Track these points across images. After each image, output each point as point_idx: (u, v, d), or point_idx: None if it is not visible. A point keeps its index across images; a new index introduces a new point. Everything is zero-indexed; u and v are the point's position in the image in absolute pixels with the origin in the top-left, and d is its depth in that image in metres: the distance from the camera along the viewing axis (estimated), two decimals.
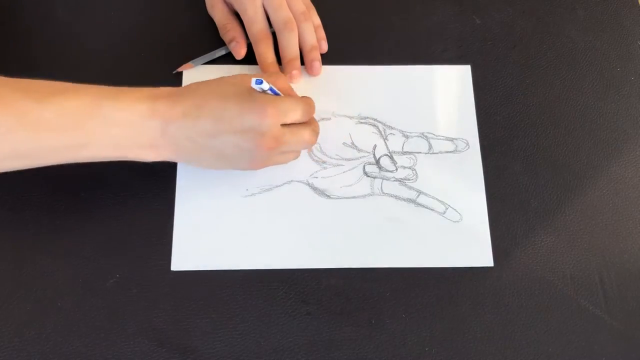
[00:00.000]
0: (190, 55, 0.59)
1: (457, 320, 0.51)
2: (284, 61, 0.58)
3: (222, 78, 0.50)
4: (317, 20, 0.61)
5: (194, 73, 0.59)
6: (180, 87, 0.50)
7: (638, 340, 0.51)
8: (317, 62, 0.59)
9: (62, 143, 0.45)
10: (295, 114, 0.50)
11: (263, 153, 0.49)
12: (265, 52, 0.58)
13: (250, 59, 0.59)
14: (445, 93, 0.60)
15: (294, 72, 0.58)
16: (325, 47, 0.60)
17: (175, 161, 0.51)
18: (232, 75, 0.51)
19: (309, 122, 0.53)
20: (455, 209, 0.55)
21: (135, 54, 0.60)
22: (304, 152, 0.56)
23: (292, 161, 0.54)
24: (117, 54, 0.60)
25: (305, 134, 0.52)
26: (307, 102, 0.52)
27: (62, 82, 0.47)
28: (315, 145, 0.56)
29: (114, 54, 0.60)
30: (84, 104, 0.46)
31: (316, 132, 0.53)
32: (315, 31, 0.60)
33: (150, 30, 0.61)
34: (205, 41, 0.60)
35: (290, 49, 0.58)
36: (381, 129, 0.58)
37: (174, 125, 0.47)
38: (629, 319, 0.51)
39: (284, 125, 0.49)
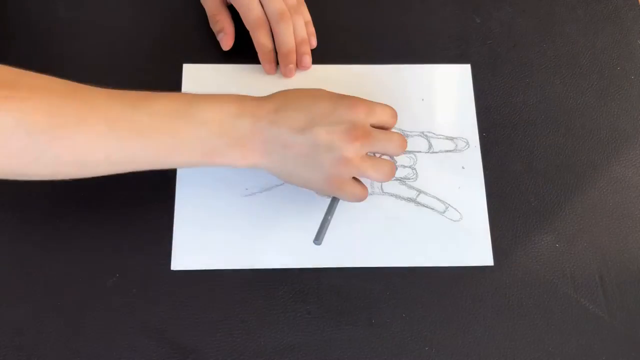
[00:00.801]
0: (190, 55, 0.59)
1: (457, 319, 0.51)
2: (280, 54, 0.58)
3: (312, 88, 0.51)
4: (307, 16, 0.61)
5: (194, 72, 0.59)
6: (267, 95, 0.49)
7: (638, 339, 0.51)
8: (307, 56, 0.59)
9: (153, 147, 0.45)
10: (384, 115, 0.50)
11: (355, 146, 0.47)
12: (263, 39, 0.58)
13: (249, 57, 0.59)
14: (445, 92, 0.60)
15: (291, 66, 0.58)
16: (314, 43, 0.60)
17: (263, 167, 0.48)
18: (317, 89, 0.51)
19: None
20: (455, 208, 0.55)
21: (135, 54, 0.60)
22: None
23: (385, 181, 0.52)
24: (117, 54, 0.59)
25: (395, 136, 0.50)
26: (393, 109, 0.52)
27: (157, 92, 0.46)
28: None
29: (114, 54, 0.59)
30: (174, 107, 0.45)
31: (405, 143, 0.51)
32: (305, 26, 0.60)
33: (150, 30, 0.61)
34: (205, 41, 0.60)
35: (287, 40, 0.58)
36: None
37: (264, 121, 0.47)
38: (629, 318, 0.51)
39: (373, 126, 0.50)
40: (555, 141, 0.58)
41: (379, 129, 0.50)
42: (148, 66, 0.59)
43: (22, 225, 0.52)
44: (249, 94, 0.48)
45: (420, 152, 0.57)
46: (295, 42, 0.59)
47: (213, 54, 0.60)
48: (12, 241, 0.52)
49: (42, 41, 0.60)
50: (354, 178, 0.49)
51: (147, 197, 0.53)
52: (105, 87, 0.46)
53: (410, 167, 0.56)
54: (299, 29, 0.59)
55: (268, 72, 0.59)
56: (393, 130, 0.52)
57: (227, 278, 0.51)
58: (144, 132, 0.44)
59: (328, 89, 0.58)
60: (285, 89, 0.50)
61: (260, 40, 0.58)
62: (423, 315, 0.51)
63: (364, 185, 0.50)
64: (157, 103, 0.45)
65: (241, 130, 0.46)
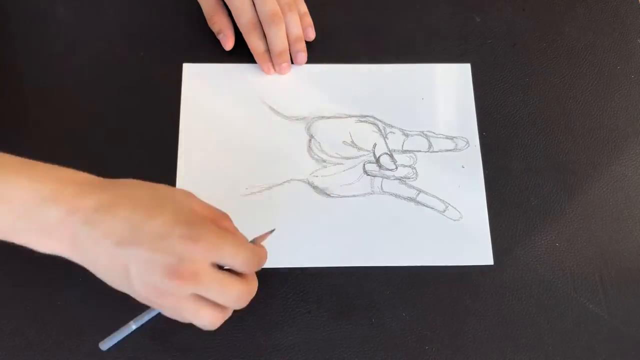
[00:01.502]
0: (190, 55, 0.59)
1: (457, 319, 0.51)
2: (272, 54, 0.58)
3: (163, 185, 0.42)
4: (304, 8, 0.60)
5: (194, 71, 0.59)
6: (105, 179, 0.42)
7: (638, 339, 0.51)
8: (302, 53, 0.59)
9: None
10: (233, 260, 0.41)
11: (173, 285, 0.38)
12: (256, 42, 0.58)
13: (249, 57, 0.59)
14: (445, 91, 0.60)
15: (284, 64, 0.58)
16: (312, 35, 0.60)
17: (70, 259, 0.41)
18: (177, 189, 0.44)
19: (246, 279, 0.42)
20: (455, 208, 0.55)
21: (135, 54, 0.59)
22: (303, 150, 0.56)
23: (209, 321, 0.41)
24: (117, 54, 0.59)
25: (234, 288, 0.41)
26: (254, 253, 0.42)
27: None
28: (315, 144, 0.56)
29: (113, 54, 0.59)
30: None
31: (250, 294, 0.42)
32: (302, 19, 0.60)
33: (150, 30, 0.61)
34: (205, 40, 0.60)
35: (278, 42, 0.58)
36: (381, 128, 0.58)
37: (77, 216, 0.39)
38: (629, 317, 0.51)
39: (214, 267, 0.40)
40: (555, 140, 0.58)
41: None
42: (148, 66, 0.59)
43: None
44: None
45: (420, 151, 0.57)
46: (290, 40, 0.59)
47: (213, 53, 0.60)
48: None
49: (42, 41, 0.60)
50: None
51: None
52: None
53: (410, 166, 0.56)
54: (292, 26, 0.59)
55: (265, 72, 0.59)
56: None
57: None
58: None
59: (328, 89, 0.59)
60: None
61: (253, 43, 0.58)
62: (423, 315, 0.51)
63: (219, 311, 0.41)
64: None
65: (47, 219, 0.39)
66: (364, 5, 0.63)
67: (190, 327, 0.49)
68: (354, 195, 0.55)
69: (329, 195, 0.55)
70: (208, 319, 0.41)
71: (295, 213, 0.54)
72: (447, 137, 0.58)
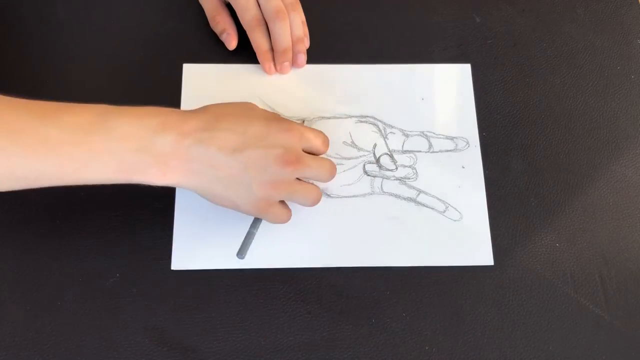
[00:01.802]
0: (190, 55, 0.59)
1: (457, 319, 0.51)
2: (276, 52, 0.58)
3: (236, 102, 0.49)
4: (302, 17, 0.60)
5: (194, 72, 0.59)
6: (195, 109, 0.47)
7: (638, 339, 0.51)
8: (302, 55, 0.59)
9: (61, 163, 0.42)
10: (316, 141, 0.50)
11: (286, 172, 0.47)
12: (260, 40, 0.58)
13: (249, 57, 0.59)
14: (446, 92, 0.60)
15: (286, 63, 0.58)
16: (307, 44, 0.60)
17: (186, 187, 0.46)
18: (247, 102, 0.50)
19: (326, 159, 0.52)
20: (455, 208, 0.55)
21: (135, 54, 0.60)
22: None
23: (310, 205, 0.50)
24: (117, 54, 0.59)
25: (326, 162, 0.51)
26: (325, 135, 0.52)
27: (69, 103, 0.43)
28: None
29: (113, 54, 0.59)
30: (88, 119, 0.42)
31: (335, 167, 0.52)
32: None
33: (150, 30, 0.61)
34: (205, 41, 0.60)
35: (283, 38, 0.58)
36: (381, 128, 0.58)
37: (190, 139, 0.44)
38: (629, 317, 0.51)
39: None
40: (555, 141, 0.58)
41: (310, 154, 0.50)
42: (148, 66, 0.59)
43: (22, 225, 0.52)
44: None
45: (420, 151, 0.57)
46: (292, 40, 0.59)
47: (213, 53, 0.60)
48: (12, 241, 0.52)
49: (42, 41, 0.60)
50: (280, 201, 0.49)
51: (147, 197, 0.53)
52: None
53: (410, 166, 0.56)
54: (295, 26, 0.59)
55: (267, 72, 0.59)
56: (323, 156, 0.52)
57: (227, 278, 0.51)
58: (52, 146, 0.41)
59: (328, 89, 0.59)
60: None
61: (257, 40, 0.58)
62: (423, 315, 0.51)
63: (288, 208, 0.51)
64: (69, 115, 0.42)
65: (162, 148, 0.43)
66: (364, 5, 0.63)
67: (190, 327, 0.49)
68: (354, 196, 0.55)
69: (329, 195, 0.55)
70: (315, 192, 0.50)
71: (295, 214, 0.54)
72: (447, 138, 0.58)
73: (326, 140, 0.52)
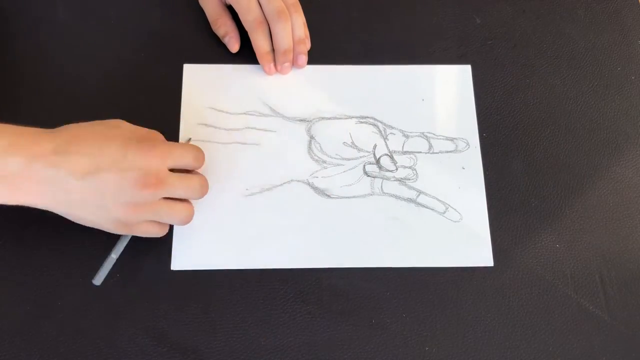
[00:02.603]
0: (190, 55, 0.59)
1: (458, 320, 0.51)
2: (277, 52, 0.58)
3: (101, 121, 0.47)
4: (303, 18, 0.60)
5: (194, 72, 0.59)
6: (51, 129, 0.45)
7: (638, 340, 0.51)
8: (303, 56, 0.59)
9: None
10: (185, 159, 0.48)
11: (146, 195, 0.45)
12: (261, 41, 0.58)
13: (250, 57, 0.59)
14: (446, 93, 0.60)
15: (286, 64, 0.58)
16: (308, 45, 0.60)
17: (42, 207, 0.45)
18: (115, 120, 0.48)
19: (198, 173, 0.51)
20: (455, 209, 0.55)
21: (135, 54, 0.60)
22: (304, 151, 0.56)
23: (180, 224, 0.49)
24: (117, 54, 0.59)
25: (194, 179, 0.49)
26: (198, 150, 0.50)
27: None
28: (316, 145, 0.56)
29: (114, 54, 0.59)
30: None
31: (206, 184, 0.50)
32: None
33: (150, 30, 0.61)
34: (205, 41, 0.60)
35: (285, 39, 0.58)
36: (381, 129, 0.58)
37: (39, 162, 0.42)
38: (629, 319, 0.51)
39: (171, 170, 0.47)
40: (556, 141, 0.58)
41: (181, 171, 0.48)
42: (148, 66, 0.59)
43: (23, 225, 0.52)
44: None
45: (420, 152, 0.57)
46: (293, 41, 0.59)
47: (213, 54, 0.60)
48: (13, 241, 0.52)
49: (42, 41, 0.60)
50: None
51: None
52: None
53: (410, 167, 0.56)
54: (297, 27, 0.59)
55: (267, 73, 0.59)
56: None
57: (227, 278, 0.51)
58: None
59: (329, 89, 0.59)
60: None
61: (258, 41, 0.58)
62: (423, 315, 0.51)
63: (159, 223, 0.49)
64: None
65: (9, 169, 0.41)
66: (365, 6, 0.63)
67: (190, 327, 0.49)
68: (354, 196, 0.55)
69: (329, 196, 0.55)
70: (183, 212, 0.48)
71: (295, 214, 0.54)
72: (447, 139, 0.58)
73: (199, 155, 0.49)
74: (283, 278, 0.52)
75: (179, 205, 0.48)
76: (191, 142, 0.52)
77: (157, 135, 0.49)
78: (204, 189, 0.50)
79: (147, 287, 0.50)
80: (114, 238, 0.51)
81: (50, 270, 0.51)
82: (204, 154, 0.50)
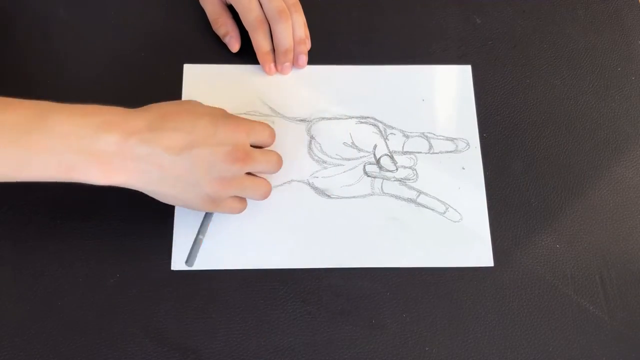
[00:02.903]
0: (190, 55, 0.59)
1: (457, 320, 0.51)
2: (277, 52, 0.58)
3: (180, 101, 0.49)
4: (303, 18, 0.60)
5: (194, 72, 0.59)
6: (139, 108, 0.46)
7: (638, 340, 0.51)
8: (304, 56, 0.59)
9: (1, 161, 0.41)
10: (263, 134, 0.51)
11: (235, 168, 0.47)
12: (261, 41, 0.58)
13: (250, 57, 0.59)
14: (446, 93, 0.60)
15: (287, 64, 0.58)
16: (309, 45, 0.60)
17: (132, 187, 0.45)
18: (188, 100, 0.50)
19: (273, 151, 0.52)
20: (455, 209, 0.55)
21: (135, 54, 0.60)
22: (304, 151, 0.56)
23: (260, 197, 0.51)
24: (117, 54, 0.59)
25: (273, 155, 0.51)
26: (271, 127, 0.52)
27: (11, 99, 0.42)
28: (316, 145, 0.56)
29: (114, 54, 0.59)
30: (26, 117, 0.41)
31: (281, 160, 0.52)
32: None
33: (150, 30, 0.61)
34: (205, 41, 0.60)
35: (285, 39, 0.58)
36: (381, 129, 0.58)
37: (134, 138, 0.43)
38: (629, 319, 0.51)
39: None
40: (556, 142, 0.58)
41: (257, 147, 0.50)
42: (148, 66, 0.59)
43: (23, 225, 0.52)
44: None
45: (420, 152, 0.57)
46: (294, 41, 0.59)
47: (213, 54, 0.60)
48: (13, 241, 0.52)
49: (42, 41, 0.60)
50: None
51: (147, 197, 0.53)
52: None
53: (410, 167, 0.56)
54: (297, 28, 0.59)
55: (267, 73, 0.59)
56: (270, 148, 0.52)
57: (227, 278, 0.51)
58: None
59: (329, 90, 0.59)
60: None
61: (259, 41, 0.58)
62: (423, 315, 0.51)
63: (242, 198, 0.51)
64: (7, 112, 0.41)
65: (105, 147, 0.42)
66: (365, 6, 0.63)
67: (190, 327, 0.49)
68: (354, 197, 0.55)
69: (329, 196, 0.55)
70: (265, 186, 0.51)
71: (295, 214, 0.54)
72: (447, 139, 0.58)
73: (272, 133, 0.52)
74: (283, 278, 0.52)
75: (260, 180, 0.50)
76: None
77: (231, 114, 0.50)
78: (279, 163, 0.52)
79: (147, 287, 0.51)
80: (113, 240, 0.51)
81: (50, 270, 0.51)
82: (274, 132, 0.52)
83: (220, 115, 0.48)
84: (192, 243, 0.51)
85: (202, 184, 0.46)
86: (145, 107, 0.46)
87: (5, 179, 0.42)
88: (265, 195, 0.51)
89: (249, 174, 0.50)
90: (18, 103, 0.42)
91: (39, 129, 0.41)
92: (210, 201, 0.48)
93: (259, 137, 0.50)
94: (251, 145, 0.49)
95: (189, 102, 0.49)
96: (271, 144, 0.52)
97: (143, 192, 0.46)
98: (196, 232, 0.52)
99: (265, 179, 0.51)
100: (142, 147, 0.43)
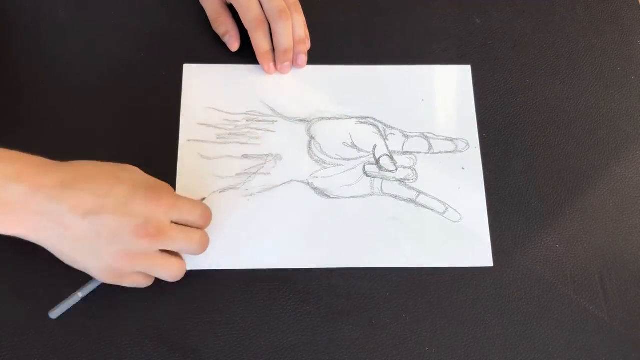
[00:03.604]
0: (190, 55, 0.59)
1: (457, 320, 0.51)
2: (277, 51, 0.58)
3: (113, 163, 0.46)
4: (303, 18, 0.60)
5: (194, 72, 0.59)
6: (61, 162, 0.44)
7: (638, 340, 0.51)
8: (303, 56, 0.59)
9: None
10: (190, 215, 0.47)
11: (143, 244, 0.44)
12: (261, 40, 0.58)
13: (250, 57, 0.59)
14: (445, 93, 0.60)
15: (286, 63, 0.58)
16: (309, 45, 0.60)
17: (32, 241, 0.43)
18: (127, 165, 0.47)
19: (202, 230, 0.49)
20: (455, 209, 0.55)
21: (135, 54, 0.60)
22: (304, 151, 0.56)
23: (173, 272, 0.48)
24: (117, 54, 0.59)
25: (196, 234, 0.47)
26: (206, 209, 0.49)
27: None
28: (316, 145, 0.56)
29: (114, 54, 0.59)
30: None
31: (208, 241, 0.49)
32: None
33: (150, 30, 0.61)
34: (205, 41, 0.60)
35: (285, 38, 0.58)
36: (381, 129, 0.58)
37: (41, 193, 0.41)
38: (629, 319, 0.51)
39: (174, 223, 0.46)
40: (556, 142, 0.58)
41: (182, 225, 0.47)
42: (148, 66, 0.59)
43: None
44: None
45: (420, 152, 0.57)
46: (293, 41, 0.59)
47: (213, 54, 0.60)
48: (12, 241, 0.52)
49: (42, 41, 0.60)
50: None
51: None
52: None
53: (410, 167, 0.56)
54: (297, 27, 0.59)
55: (266, 72, 0.59)
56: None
57: (227, 278, 0.51)
58: None
59: (329, 90, 0.59)
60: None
61: (258, 40, 0.58)
62: (423, 315, 0.51)
63: (147, 275, 0.47)
64: None
65: (11, 197, 0.41)
66: (364, 6, 0.63)
67: (190, 327, 0.49)
68: (353, 197, 0.55)
69: (328, 196, 0.55)
70: (177, 269, 0.47)
71: (295, 214, 0.54)
72: (447, 139, 0.58)
73: (206, 214, 0.49)
74: (283, 278, 0.52)
75: (174, 260, 0.47)
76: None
77: (167, 187, 0.48)
78: (203, 246, 0.49)
79: (147, 287, 0.50)
80: None
81: (50, 270, 0.51)
82: (211, 215, 0.50)
83: (145, 187, 0.45)
84: (67, 296, 0.48)
85: (104, 253, 0.43)
86: (68, 162, 0.44)
87: None
88: (176, 278, 0.48)
89: (165, 251, 0.47)
90: None
91: None
92: (113, 274, 0.45)
93: (186, 217, 0.47)
94: (178, 223, 0.46)
95: (125, 167, 0.46)
96: (203, 226, 0.49)
97: (46, 248, 0.44)
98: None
99: (180, 260, 0.48)
100: (49, 203, 0.41)
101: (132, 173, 0.46)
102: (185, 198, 0.48)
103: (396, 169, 0.56)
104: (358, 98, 0.59)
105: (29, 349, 0.48)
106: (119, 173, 0.45)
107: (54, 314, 0.48)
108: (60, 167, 0.43)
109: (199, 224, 0.48)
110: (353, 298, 0.51)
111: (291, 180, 0.55)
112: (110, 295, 0.50)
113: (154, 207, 0.44)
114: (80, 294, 0.48)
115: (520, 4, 0.64)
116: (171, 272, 0.47)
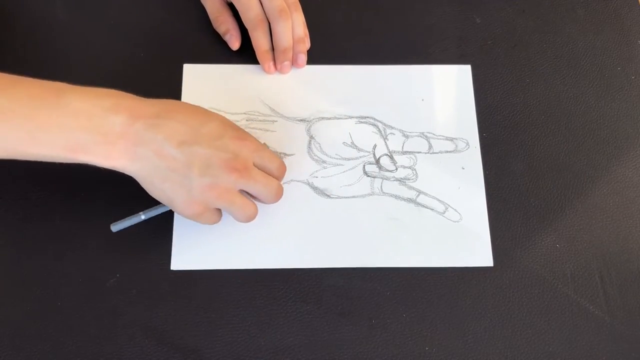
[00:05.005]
0: (190, 55, 0.59)
1: (457, 320, 0.51)
2: (277, 50, 0.59)
3: (212, 111, 0.48)
4: (303, 17, 0.60)
5: (194, 72, 0.59)
6: (153, 99, 0.46)
7: (638, 339, 0.51)
8: (303, 55, 0.59)
9: (10, 133, 0.41)
10: (270, 163, 0.49)
11: (230, 179, 0.46)
12: (261, 39, 0.58)
13: (250, 57, 0.59)
14: (445, 93, 0.60)
15: (286, 63, 0.58)
16: (308, 44, 0.60)
17: (128, 172, 0.45)
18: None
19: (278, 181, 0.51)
20: (455, 209, 0.55)
21: (135, 54, 0.60)
22: (303, 151, 0.56)
23: (245, 212, 0.48)
24: (117, 54, 0.60)
25: (275, 182, 0.49)
26: (283, 163, 0.51)
27: (29, 77, 0.43)
28: (315, 145, 0.56)
29: (114, 54, 0.60)
30: (40, 92, 0.42)
31: (282, 192, 0.50)
32: None
33: (150, 30, 0.61)
34: (205, 41, 0.60)
35: (285, 38, 0.58)
36: (381, 129, 0.58)
37: (139, 123, 0.43)
38: (629, 319, 0.51)
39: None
40: (556, 141, 0.58)
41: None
42: (148, 66, 0.59)
43: (23, 225, 0.52)
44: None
45: (420, 152, 0.57)
46: (293, 40, 0.59)
47: (213, 54, 0.60)
48: (12, 241, 0.52)
49: (42, 41, 0.60)
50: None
51: (147, 197, 0.53)
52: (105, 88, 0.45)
53: (410, 167, 0.56)
54: (297, 26, 0.59)
55: (266, 71, 0.59)
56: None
57: (227, 278, 0.51)
58: (1, 116, 0.41)
59: (329, 89, 0.59)
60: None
61: (258, 40, 0.58)
62: (423, 315, 0.51)
63: (220, 213, 0.49)
64: (22, 87, 0.42)
65: (112, 127, 0.43)
66: (364, 6, 0.63)
67: (190, 327, 0.49)
68: (353, 196, 0.55)
69: (328, 196, 0.55)
70: (253, 210, 0.48)
71: (295, 214, 0.54)
72: (447, 139, 0.58)
73: (282, 168, 0.50)
74: (283, 278, 0.52)
75: (251, 203, 0.49)
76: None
77: (250, 134, 0.50)
78: (278, 195, 0.50)
79: (147, 287, 0.51)
80: (113, 241, 0.51)
81: (50, 271, 0.51)
82: (286, 169, 0.52)
83: (232, 126, 0.48)
84: (131, 214, 0.50)
85: (193, 184, 0.45)
86: (161, 99, 0.46)
87: (13, 155, 0.43)
88: (250, 219, 0.49)
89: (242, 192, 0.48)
90: (33, 80, 0.43)
91: (50, 106, 0.42)
92: (196, 207, 0.46)
93: (266, 163, 0.49)
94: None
95: (209, 110, 0.48)
96: (280, 177, 0.51)
97: (137, 180, 0.46)
98: (197, 231, 0.52)
99: (254, 205, 0.49)
100: (146, 132, 0.43)
101: (219, 115, 0.48)
102: (266, 148, 0.50)
103: (396, 169, 0.56)
104: (358, 98, 0.59)
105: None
106: (210, 113, 0.47)
107: (115, 227, 0.50)
108: (155, 101, 0.45)
109: (276, 174, 0.50)
110: (353, 298, 0.51)
111: (291, 180, 0.55)
112: (111, 295, 0.50)
113: (242, 146, 0.46)
114: (143, 216, 0.50)
115: (521, 4, 0.64)
116: (247, 212, 0.48)
